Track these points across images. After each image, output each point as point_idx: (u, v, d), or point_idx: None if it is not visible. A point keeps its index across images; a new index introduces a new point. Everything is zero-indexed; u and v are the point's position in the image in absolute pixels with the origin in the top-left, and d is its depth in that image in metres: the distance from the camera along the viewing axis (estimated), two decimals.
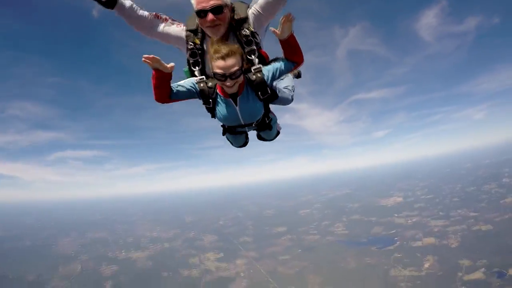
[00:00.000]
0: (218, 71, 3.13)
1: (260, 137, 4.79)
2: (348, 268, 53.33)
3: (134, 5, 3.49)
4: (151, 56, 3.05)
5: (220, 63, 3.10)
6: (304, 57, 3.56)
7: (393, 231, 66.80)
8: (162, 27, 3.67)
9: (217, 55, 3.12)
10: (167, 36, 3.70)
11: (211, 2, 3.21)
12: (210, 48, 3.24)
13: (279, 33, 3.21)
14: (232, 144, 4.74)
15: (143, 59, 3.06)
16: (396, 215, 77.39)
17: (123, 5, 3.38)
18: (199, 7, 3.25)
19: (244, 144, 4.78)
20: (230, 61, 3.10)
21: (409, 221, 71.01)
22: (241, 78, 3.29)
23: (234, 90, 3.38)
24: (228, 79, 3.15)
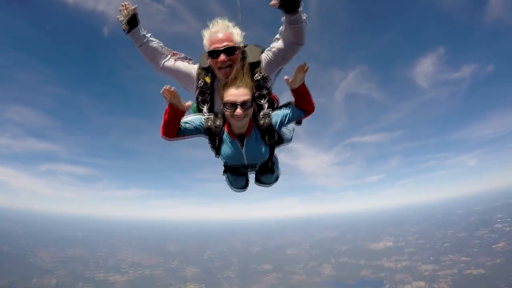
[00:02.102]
0: (230, 98, 3.14)
1: (258, 181, 4.69)
2: None
3: (149, 34, 3.70)
4: (172, 89, 3.07)
5: (232, 91, 3.14)
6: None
7: (382, 274, 65.69)
8: (173, 61, 3.77)
9: (229, 84, 3.18)
10: (176, 72, 3.77)
11: (224, 43, 3.30)
12: (221, 86, 3.30)
13: (291, 82, 3.33)
14: (231, 185, 4.65)
15: (162, 91, 3.08)
16: (385, 259, 76.02)
17: (139, 31, 3.61)
18: (212, 47, 3.33)
19: (243, 187, 4.74)
20: (242, 91, 3.14)
21: (399, 265, 69.75)
22: (250, 113, 3.29)
23: (242, 127, 3.41)
24: (239, 108, 3.13)
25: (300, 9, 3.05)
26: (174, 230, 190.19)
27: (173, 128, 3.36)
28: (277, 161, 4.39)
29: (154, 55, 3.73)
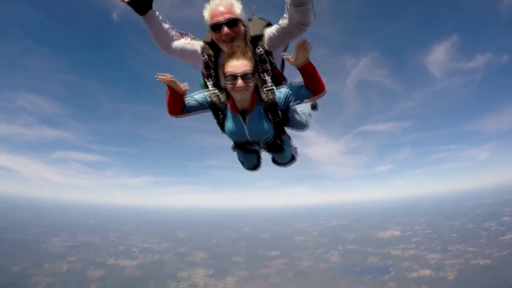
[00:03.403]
0: (230, 70, 3.11)
1: (274, 161, 4.73)
2: None
3: (161, 17, 3.62)
4: (165, 76, 3.20)
5: (233, 62, 3.11)
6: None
7: (388, 262, 65.49)
8: (181, 42, 3.79)
9: (230, 56, 3.16)
10: (183, 52, 3.79)
11: (226, 16, 3.27)
12: (223, 59, 3.29)
13: (293, 60, 3.16)
14: (243, 164, 4.70)
15: (156, 78, 3.21)
16: (392, 247, 75.73)
17: (153, 13, 3.49)
18: (214, 21, 3.31)
19: (255, 167, 4.74)
20: (242, 62, 3.10)
21: (406, 254, 69.45)
22: (252, 86, 3.24)
23: (244, 101, 3.38)
24: (239, 79, 3.09)
25: None
26: (184, 217, 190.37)
27: (177, 106, 3.49)
28: (288, 141, 4.24)
29: (165, 37, 3.73)
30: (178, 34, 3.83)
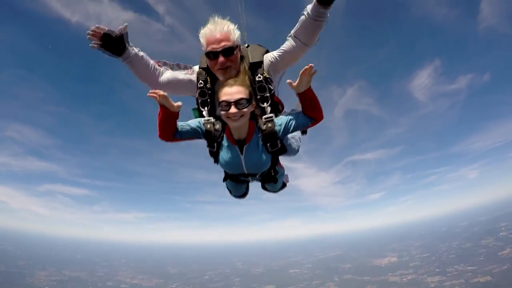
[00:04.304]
0: (223, 98, 2.97)
1: (264, 187, 4.44)
2: None
3: (140, 52, 3.39)
4: (158, 91, 2.90)
5: (226, 90, 2.99)
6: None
7: None
8: (169, 73, 3.57)
9: (225, 83, 3.05)
10: (176, 82, 3.55)
11: (222, 44, 3.11)
12: (218, 87, 3.15)
13: (295, 85, 2.99)
14: (230, 192, 4.49)
15: (148, 94, 2.91)
16: (390, 274, 74.17)
17: (129, 52, 3.29)
18: (209, 48, 3.15)
19: (244, 195, 4.57)
20: (236, 89, 2.97)
21: (404, 279, 68.09)
22: (247, 113, 3.07)
23: (241, 130, 3.20)
24: (233, 107, 2.93)
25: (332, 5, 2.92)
26: (174, 252, 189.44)
27: (168, 130, 3.19)
28: (282, 170, 4.10)
29: (149, 73, 3.48)
30: (164, 64, 3.61)
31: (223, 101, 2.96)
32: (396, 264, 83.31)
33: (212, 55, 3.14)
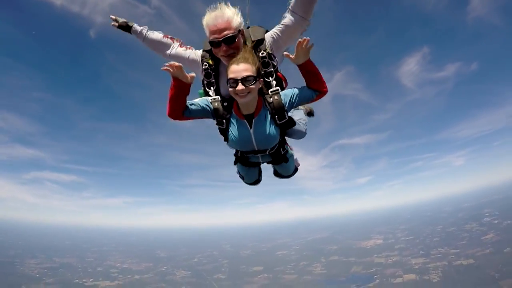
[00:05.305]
0: (231, 75, 3.04)
1: (276, 173, 4.58)
2: None
3: (145, 30, 3.79)
4: (173, 63, 2.96)
5: (233, 67, 3.04)
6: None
7: (372, 270, 65.36)
8: (175, 49, 3.74)
9: (231, 62, 3.09)
10: (182, 59, 3.65)
11: (224, 33, 3.15)
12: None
13: (293, 57, 3.14)
14: (243, 179, 4.54)
15: (164, 67, 2.98)
16: (375, 255, 76.07)
17: (135, 30, 3.78)
18: (212, 38, 3.22)
19: (256, 181, 4.61)
20: (243, 66, 3.02)
21: (389, 261, 69.63)
22: (255, 89, 3.11)
23: (249, 105, 3.26)
24: (240, 84, 3.00)
25: None
26: (163, 236, 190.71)
27: (179, 105, 3.24)
28: (290, 151, 4.13)
29: (158, 47, 3.78)
30: (174, 40, 3.79)
31: (230, 78, 3.03)
32: (382, 246, 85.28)
33: (215, 43, 3.23)
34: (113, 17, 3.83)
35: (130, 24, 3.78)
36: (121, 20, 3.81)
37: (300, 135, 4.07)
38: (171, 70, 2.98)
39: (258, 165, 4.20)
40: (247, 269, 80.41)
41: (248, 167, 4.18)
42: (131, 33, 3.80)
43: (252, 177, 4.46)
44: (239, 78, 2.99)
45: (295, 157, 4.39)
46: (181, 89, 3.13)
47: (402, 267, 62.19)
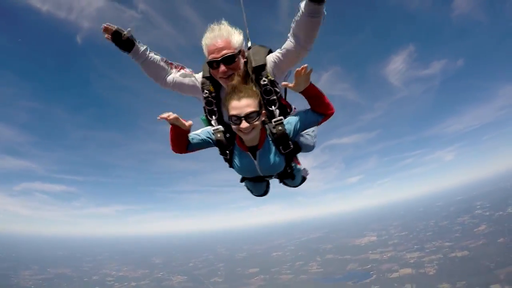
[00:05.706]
0: (233, 112, 2.88)
1: (283, 183, 4.34)
2: None
3: (148, 50, 3.40)
4: (169, 114, 2.93)
5: (235, 103, 2.87)
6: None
7: (368, 266, 65.89)
8: (173, 74, 3.53)
9: (231, 96, 2.91)
10: (182, 86, 3.53)
11: (223, 52, 3.01)
12: (224, 98, 3.06)
13: (293, 86, 2.92)
14: (251, 192, 4.43)
15: (159, 118, 2.96)
16: (370, 252, 76.81)
17: (137, 49, 3.30)
18: (210, 57, 3.07)
19: (265, 193, 4.49)
20: (245, 101, 2.86)
21: (384, 256, 70.29)
22: (259, 124, 2.99)
23: (252, 139, 3.11)
24: (243, 122, 2.85)
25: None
26: (158, 243, 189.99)
27: (180, 144, 3.23)
28: (298, 167, 3.98)
29: (157, 71, 3.49)
30: (171, 66, 3.55)
31: (233, 115, 2.88)
32: (376, 243, 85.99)
33: (213, 64, 3.07)
34: (107, 26, 3.22)
35: (131, 38, 3.25)
36: (116, 27, 3.22)
37: (309, 149, 3.83)
38: (168, 120, 2.95)
39: (266, 180, 4.15)
40: (243, 271, 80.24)
41: (255, 182, 4.11)
42: (128, 51, 3.29)
43: (260, 190, 4.39)
44: (242, 116, 2.84)
45: (302, 167, 4.24)
46: (179, 134, 3.12)
47: (398, 262, 62.63)
